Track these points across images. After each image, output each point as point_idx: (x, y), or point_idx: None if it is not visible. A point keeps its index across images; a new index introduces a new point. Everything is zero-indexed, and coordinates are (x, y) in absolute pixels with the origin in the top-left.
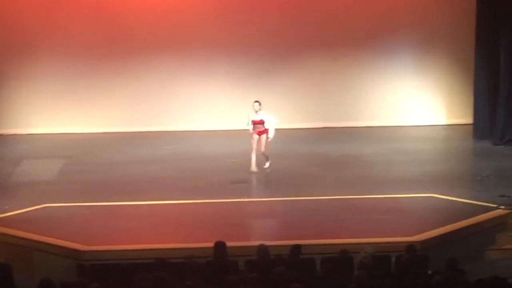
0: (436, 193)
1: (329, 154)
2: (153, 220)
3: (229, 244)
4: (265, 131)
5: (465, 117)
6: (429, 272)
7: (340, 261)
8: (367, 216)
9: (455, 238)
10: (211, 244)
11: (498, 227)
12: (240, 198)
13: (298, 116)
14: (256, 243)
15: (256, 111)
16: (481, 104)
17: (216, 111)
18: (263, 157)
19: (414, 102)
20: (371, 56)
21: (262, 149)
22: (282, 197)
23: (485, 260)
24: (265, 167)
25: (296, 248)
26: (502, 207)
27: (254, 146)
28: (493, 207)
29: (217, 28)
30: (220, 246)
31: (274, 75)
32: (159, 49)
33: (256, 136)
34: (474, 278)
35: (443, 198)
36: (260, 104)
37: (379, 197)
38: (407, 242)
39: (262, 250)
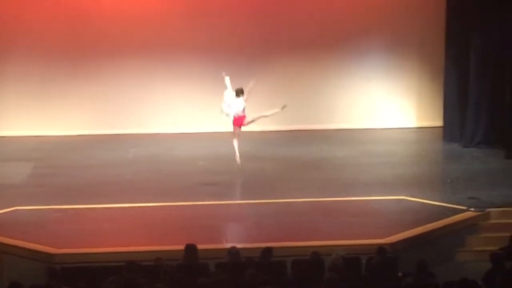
0: (406, 196)
1: (300, 157)
2: (123, 223)
3: (200, 246)
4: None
5: (435, 120)
6: (400, 274)
7: (310, 264)
8: (338, 219)
9: (425, 240)
10: (181, 247)
11: (468, 229)
12: (211, 200)
13: (270, 119)
14: (227, 245)
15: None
16: (451, 106)
17: (187, 114)
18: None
19: (385, 104)
20: (342, 59)
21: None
22: (253, 200)
23: (455, 262)
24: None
25: (267, 250)
26: (472, 209)
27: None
28: (463, 209)
29: (189, 31)
30: (191, 248)
31: (245, 78)
32: (129, 52)
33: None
34: (444, 280)
35: (413, 201)
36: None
37: (350, 200)
38: (377, 244)
39: (233, 252)
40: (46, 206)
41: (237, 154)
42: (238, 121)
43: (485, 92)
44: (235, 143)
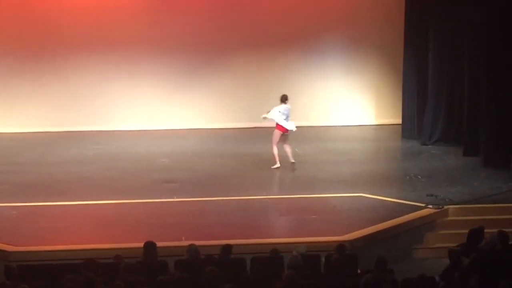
0: (365, 193)
1: (260, 154)
2: (82, 220)
3: (159, 244)
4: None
5: (394, 117)
6: (359, 271)
7: (270, 261)
8: (297, 216)
9: (384, 238)
10: (140, 244)
11: (426, 226)
12: (171, 198)
13: (228, 116)
14: (186, 243)
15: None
16: (409, 104)
17: (147, 111)
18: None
19: (344, 102)
20: (301, 56)
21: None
22: (213, 197)
23: (413, 259)
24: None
25: (227, 248)
26: (430, 206)
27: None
28: (421, 206)
29: (150, 28)
30: (150, 246)
31: (204, 75)
32: (89, 49)
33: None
34: (402, 277)
35: (372, 198)
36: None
37: (309, 197)
38: (336, 241)
39: (192, 250)
40: (4, 204)
41: (277, 159)
42: (281, 127)
43: (443, 90)
44: (275, 149)
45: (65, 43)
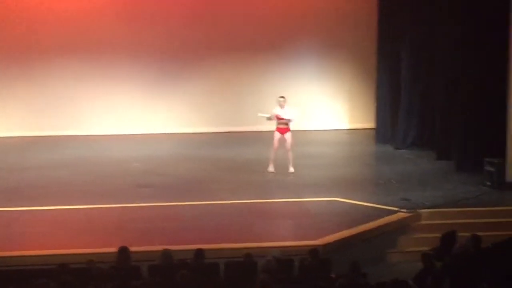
0: (338, 197)
1: (233, 158)
2: (55, 225)
3: (132, 249)
4: (288, 129)
5: (367, 122)
6: (332, 275)
7: (243, 265)
8: (271, 220)
9: (357, 241)
10: (114, 249)
11: (399, 230)
12: (145, 202)
13: (202, 121)
14: (160, 247)
15: (281, 106)
16: (383, 108)
17: (123, 115)
18: (289, 159)
19: (317, 106)
20: (276, 61)
21: (288, 147)
22: (187, 201)
23: (387, 263)
24: (290, 171)
25: (199, 252)
26: (404, 210)
27: (276, 144)
28: (394, 210)
29: (125, 33)
30: (123, 251)
31: (179, 80)
32: (63, 53)
33: (278, 134)
34: (376, 281)
35: (345, 202)
36: (285, 100)
37: (283, 201)
38: (310, 245)
39: (166, 254)
40: None
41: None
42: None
43: (417, 94)
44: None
45: (39, 47)
